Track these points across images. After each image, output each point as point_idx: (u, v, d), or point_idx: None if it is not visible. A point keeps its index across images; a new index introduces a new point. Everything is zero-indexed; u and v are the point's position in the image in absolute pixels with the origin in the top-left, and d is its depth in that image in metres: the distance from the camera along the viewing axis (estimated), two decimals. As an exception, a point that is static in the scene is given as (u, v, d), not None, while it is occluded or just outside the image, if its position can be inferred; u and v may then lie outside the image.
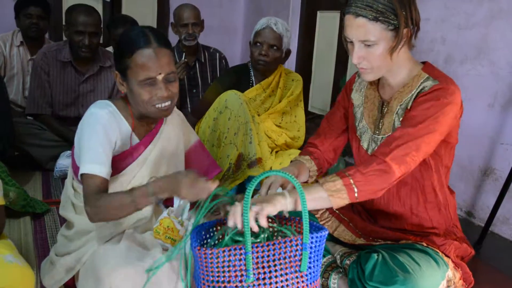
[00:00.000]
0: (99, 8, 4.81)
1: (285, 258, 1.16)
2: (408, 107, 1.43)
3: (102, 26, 2.97)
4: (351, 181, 1.28)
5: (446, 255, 1.48)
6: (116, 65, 1.53)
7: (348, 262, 1.51)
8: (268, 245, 1.15)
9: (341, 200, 1.29)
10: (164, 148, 1.64)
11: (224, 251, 1.12)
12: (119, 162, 1.53)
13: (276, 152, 2.72)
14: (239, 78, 2.74)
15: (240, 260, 1.13)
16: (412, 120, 1.36)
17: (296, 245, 1.17)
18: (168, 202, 1.70)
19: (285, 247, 1.16)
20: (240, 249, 1.12)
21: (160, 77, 1.45)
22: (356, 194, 1.29)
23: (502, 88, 2.41)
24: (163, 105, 1.49)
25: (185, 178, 1.31)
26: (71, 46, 2.90)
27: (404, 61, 1.46)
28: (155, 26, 5.23)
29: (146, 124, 1.61)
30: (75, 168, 1.53)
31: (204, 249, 1.11)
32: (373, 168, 1.30)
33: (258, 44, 2.58)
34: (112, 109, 1.52)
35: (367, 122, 1.58)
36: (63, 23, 2.93)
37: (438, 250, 1.47)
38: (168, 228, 1.50)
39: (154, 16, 5.22)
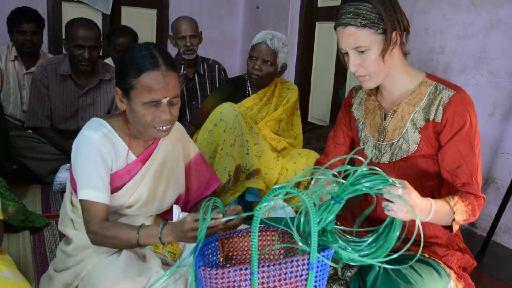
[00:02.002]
0: (99, 21, 4.85)
1: (290, 278, 1.14)
2: (431, 119, 1.44)
3: (101, 39, 2.97)
4: (470, 208, 1.37)
5: (448, 266, 1.47)
6: (118, 82, 1.50)
7: (349, 274, 1.49)
8: (274, 265, 1.13)
9: (457, 226, 1.38)
10: (163, 164, 1.63)
11: (229, 271, 1.10)
12: (116, 181, 1.53)
13: (282, 149, 2.73)
14: (236, 89, 2.77)
15: (245, 280, 1.11)
16: (467, 145, 1.41)
17: (303, 264, 1.15)
18: (168, 216, 1.69)
19: (291, 267, 1.14)
20: (246, 269, 1.11)
21: (165, 100, 1.44)
22: (465, 221, 1.38)
23: (502, 97, 2.41)
24: (164, 127, 1.48)
25: (190, 231, 1.29)
26: (71, 59, 2.90)
27: (401, 67, 1.49)
28: (154, 38, 5.28)
29: (144, 141, 1.60)
30: (73, 183, 1.52)
31: (209, 269, 1.09)
32: (481, 202, 1.41)
33: (253, 57, 2.61)
34: (107, 130, 1.50)
35: (369, 131, 1.60)
36: (63, 36, 2.94)
37: (440, 261, 1.46)
38: (168, 242, 1.49)
39: (153, 29, 5.26)
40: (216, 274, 1.08)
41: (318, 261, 1.17)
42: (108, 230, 1.40)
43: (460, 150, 1.41)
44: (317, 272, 1.17)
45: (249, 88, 2.77)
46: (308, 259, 1.15)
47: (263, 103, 2.73)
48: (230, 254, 1.32)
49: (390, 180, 1.15)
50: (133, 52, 1.46)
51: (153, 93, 1.41)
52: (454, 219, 1.35)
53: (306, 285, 1.16)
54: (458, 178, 1.42)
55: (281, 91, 2.79)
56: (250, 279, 1.11)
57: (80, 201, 1.44)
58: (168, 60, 1.46)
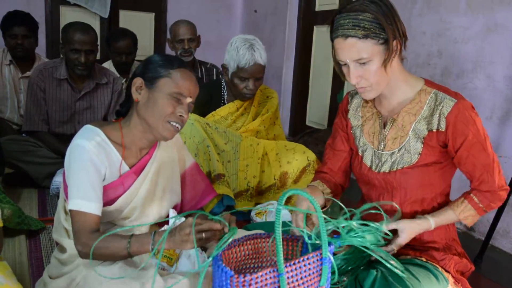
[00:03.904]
0: (97, 24, 4.85)
1: (309, 274, 1.18)
2: (435, 129, 1.43)
3: (98, 43, 2.97)
4: (483, 207, 1.47)
5: (446, 270, 1.47)
6: (143, 72, 1.52)
7: (345, 279, 1.48)
8: (294, 264, 1.15)
9: (472, 217, 1.48)
10: (157, 174, 1.61)
11: (261, 275, 1.10)
12: (110, 193, 1.50)
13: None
14: (211, 95, 2.67)
15: (274, 283, 1.12)
16: (477, 145, 1.42)
17: (317, 260, 1.18)
18: (163, 223, 1.67)
19: (309, 264, 1.17)
20: (274, 271, 1.12)
21: (188, 100, 1.51)
22: (481, 207, 1.47)
23: (499, 101, 2.41)
24: (176, 125, 1.49)
25: (188, 236, 1.28)
26: (67, 63, 2.90)
27: (400, 74, 1.47)
28: (152, 42, 5.28)
29: (138, 151, 1.58)
30: (67, 191, 1.49)
31: (242, 276, 1.08)
32: (497, 196, 1.47)
33: (243, 79, 2.50)
34: (100, 138, 1.48)
35: (368, 139, 1.58)
36: (60, 40, 2.93)
37: (437, 265, 1.46)
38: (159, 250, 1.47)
39: (151, 33, 5.26)
40: (251, 279, 1.09)
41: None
42: (101, 241, 1.36)
43: (473, 154, 1.42)
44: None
45: (225, 96, 2.69)
46: (320, 254, 1.18)
47: (240, 113, 2.66)
48: (231, 264, 1.31)
49: (381, 240, 1.36)
50: (166, 54, 1.61)
51: (183, 87, 1.48)
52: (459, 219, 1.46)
53: (320, 280, 1.19)
54: (475, 178, 1.46)
55: (260, 99, 2.72)
56: (279, 281, 1.12)
57: (70, 211, 1.41)
58: None
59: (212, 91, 2.68)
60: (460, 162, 1.46)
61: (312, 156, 2.64)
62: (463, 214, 1.46)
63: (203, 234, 1.28)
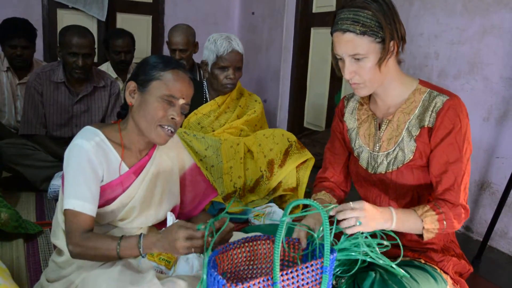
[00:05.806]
0: (94, 27, 4.85)
1: (307, 283, 1.16)
2: (426, 125, 1.43)
3: (96, 46, 2.96)
4: (444, 217, 1.36)
5: (445, 272, 1.47)
6: (136, 75, 1.51)
7: (343, 281, 1.48)
8: (291, 272, 1.14)
9: (432, 235, 1.37)
10: (156, 176, 1.61)
11: (254, 284, 1.09)
12: (108, 192, 1.50)
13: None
14: (193, 96, 2.70)
15: None
16: (455, 151, 1.40)
17: (317, 268, 1.17)
18: (163, 226, 1.67)
19: (307, 272, 1.16)
20: (268, 280, 1.10)
21: (181, 102, 1.49)
22: (443, 231, 1.37)
23: (496, 102, 2.42)
24: (168, 128, 1.48)
25: (179, 240, 1.27)
26: (65, 67, 2.89)
27: (396, 75, 1.48)
28: (149, 45, 5.27)
29: (138, 152, 1.58)
30: None
31: (234, 285, 1.07)
32: (459, 211, 1.38)
33: (223, 68, 2.56)
34: (99, 138, 1.48)
35: (364, 141, 1.58)
36: (57, 44, 2.93)
37: (436, 267, 1.46)
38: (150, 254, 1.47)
39: (148, 35, 5.26)
40: None
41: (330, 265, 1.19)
42: (89, 241, 1.37)
43: (447, 155, 1.40)
44: (329, 275, 1.19)
45: (207, 94, 2.72)
46: (321, 263, 1.17)
47: (222, 111, 2.68)
48: (226, 268, 1.31)
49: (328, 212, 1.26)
50: (160, 55, 1.54)
51: (174, 89, 1.46)
52: (423, 227, 1.34)
53: None
54: (440, 184, 1.41)
55: (247, 101, 2.76)
56: None
57: (65, 210, 1.41)
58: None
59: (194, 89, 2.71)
60: (432, 162, 1.43)
61: (292, 137, 2.67)
62: (425, 216, 1.35)
63: (191, 243, 1.26)
